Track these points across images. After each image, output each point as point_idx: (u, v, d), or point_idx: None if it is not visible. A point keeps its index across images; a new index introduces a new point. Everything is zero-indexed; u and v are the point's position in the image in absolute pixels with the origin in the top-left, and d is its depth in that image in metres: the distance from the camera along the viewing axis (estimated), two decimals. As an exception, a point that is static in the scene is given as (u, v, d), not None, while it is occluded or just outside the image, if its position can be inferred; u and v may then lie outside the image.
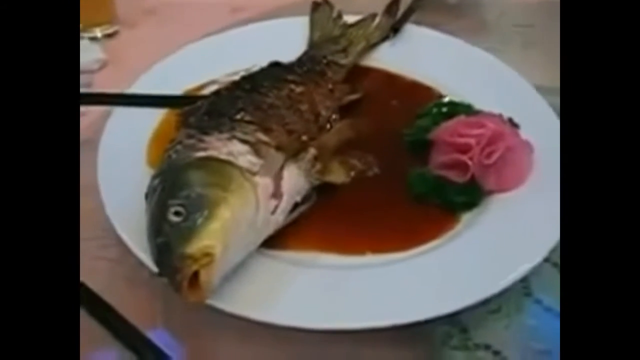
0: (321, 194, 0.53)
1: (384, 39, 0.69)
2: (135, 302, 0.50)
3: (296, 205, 0.51)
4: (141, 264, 0.47)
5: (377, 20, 0.70)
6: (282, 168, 0.49)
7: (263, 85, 0.56)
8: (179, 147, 0.49)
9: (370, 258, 0.50)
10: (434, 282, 0.47)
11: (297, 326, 0.44)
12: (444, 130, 0.56)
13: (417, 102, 0.63)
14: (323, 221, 0.52)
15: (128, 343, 0.47)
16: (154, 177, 0.47)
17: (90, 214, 0.55)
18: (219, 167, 0.46)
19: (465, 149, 0.53)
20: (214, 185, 0.44)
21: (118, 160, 0.55)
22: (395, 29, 0.69)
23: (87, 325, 0.48)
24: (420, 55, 0.68)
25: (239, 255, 0.45)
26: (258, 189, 0.46)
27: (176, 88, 0.62)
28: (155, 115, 0.60)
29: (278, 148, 0.50)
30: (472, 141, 0.53)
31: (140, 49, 0.73)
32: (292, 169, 0.50)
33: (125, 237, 0.48)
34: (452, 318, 0.47)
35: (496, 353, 0.47)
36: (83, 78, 0.71)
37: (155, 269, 0.44)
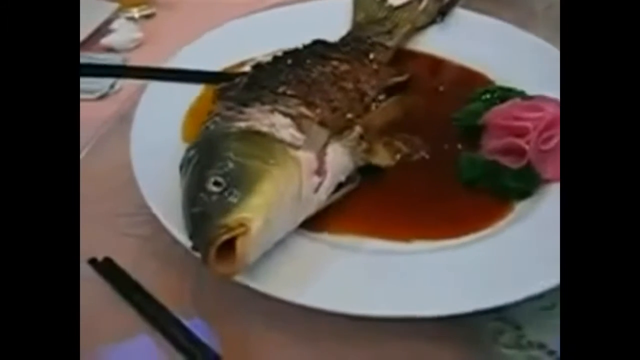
0: (365, 177, 0.49)
1: (431, 23, 0.65)
2: (165, 282, 0.47)
3: (340, 186, 0.47)
4: (174, 241, 0.44)
5: (423, 3, 0.66)
6: (326, 145, 0.45)
7: (306, 61, 0.52)
8: (217, 119, 0.45)
9: (416, 245, 0.46)
10: (483, 273, 0.43)
11: (333, 310, 0.40)
12: (498, 114, 0.51)
13: (465, 87, 0.59)
14: (367, 205, 0.48)
15: (162, 329, 0.43)
16: (189, 149, 0.44)
17: (123, 189, 0.52)
18: (260, 140, 0.42)
19: (521, 133, 0.49)
20: (255, 157, 0.41)
21: (152, 136, 0.52)
22: (443, 13, 0.65)
23: (115, 307, 0.44)
24: (469, 40, 0.63)
25: (278, 233, 0.41)
26: (301, 164, 0.42)
27: (215, 65, 0.59)
28: (192, 91, 0.56)
29: (322, 124, 0.46)
30: (529, 125, 0.48)
31: (177, 30, 0.71)
32: (336, 147, 0.46)
33: (157, 212, 0.45)
34: (503, 314, 0.42)
35: (551, 353, 0.42)
36: (119, 57, 0.69)
37: (188, 244, 0.40)
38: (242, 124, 0.43)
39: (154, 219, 0.49)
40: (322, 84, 0.50)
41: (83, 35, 0.68)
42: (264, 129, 0.43)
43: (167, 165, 0.46)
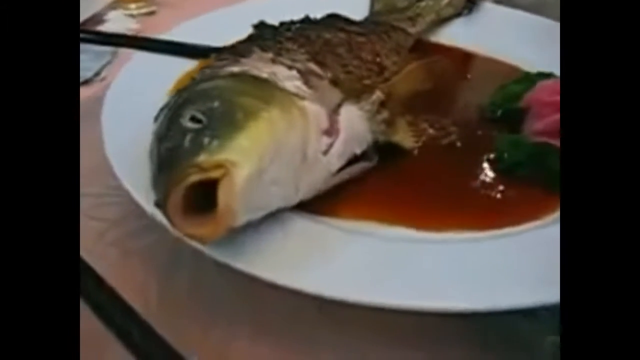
0: (385, 159, 0.39)
1: (457, 15, 0.57)
2: (128, 274, 0.36)
3: (354, 161, 0.37)
4: (143, 227, 0.34)
5: (448, -5, 0.58)
6: (339, 106, 0.35)
7: (320, 25, 0.43)
8: (206, 70, 0.36)
9: (449, 234, 0.35)
10: (529, 269, 0.32)
11: (347, 299, 0.30)
12: (542, 91, 0.42)
13: (496, 77, 0.50)
14: (387, 189, 0.38)
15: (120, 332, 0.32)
16: (170, 98, 0.34)
17: (92, 171, 0.43)
18: (257, 83, 0.33)
19: (574, 109, 0.39)
20: (251, 95, 0.31)
21: (127, 115, 0.42)
22: (470, 6, 0.57)
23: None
24: (498, 32, 0.55)
25: (274, 197, 0.31)
26: (308, 115, 0.32)
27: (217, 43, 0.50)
28: (174, 70, 0.47)
29: (334, 83, 0.37)
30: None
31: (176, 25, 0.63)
32: (351, 109, 0.36)
33: (126, 183, 0.35)
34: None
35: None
36: (109, 48, 0.60)
37: (153, 210, 0.30)
38: (235, 68, 0.34)
39: (122, 201, 0.39)
40: (336, 47, 0.41)
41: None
42: (263, 75, 0.34)
43: (142, 144, 0.37)
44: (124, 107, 0.43)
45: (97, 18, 0.63)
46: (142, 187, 0.33)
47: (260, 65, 0.35)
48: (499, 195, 0.39)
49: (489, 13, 0.58)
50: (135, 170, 0.36)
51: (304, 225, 0.34)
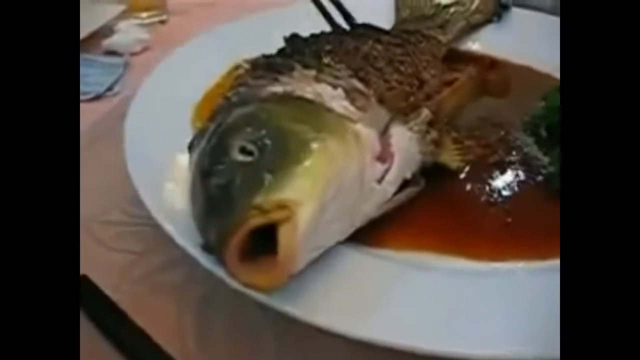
0: (431, 182, 0.36)
1: (487, 22, 0.54)
2: (158, 314, 0.32)
3: (403, 186, 0.33)
4: (172, 260, 0.31)
5: (476, 1, 0.54)
6: (388, 127, 0.32)
7: (354, 37, 0.40)
8: (241, 89, 0.32)
9: (510, 265, 0.32)
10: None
11: (404, 346, 0.26)
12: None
13: (532, 88, 0.46)
14: (437, 215, 0.35)
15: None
16: (204, 124, 0.30)
17: (113, 195, 0.39)
18: (306, 105, 0.29)
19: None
20: (302, 122, 0.27)
21: (149, 133, 0.38)
22: (500, 12, 0.54)
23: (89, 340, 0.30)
24: (530, 38, 0.52)
25: (332, 234, 0.27)
26: (362, 140, 0.29)
27: (239, 54, 0.46)
28: (199, 85, 0.44)
29: (380, 102, 0.33)
30: None
31: (188, 36, 0.59)
32: (401, 130, 0.33)
33: (154, 211, 0.31)
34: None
35: None
36: (121, 59, 0.56)
37: (194, 250, 0.26)
38: (278, 89, 0.30)
39: (148, 231, 0.35)
40: (376, 60, 0.37)
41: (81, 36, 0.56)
42: (308, 95, 0.30)
43: (170, 164, 0.33)
44: (147, 127, 0.39)
45: (107, 29, 0.59)
46: (179, 222, 0.30)
47: (303, 85, 0.31)
48: (554, 220, 0.35)
49: (519, 19, 0.54)
50: (165, 200, 0.33)
51: (354, 260, 0.30)
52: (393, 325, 0.27)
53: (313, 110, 0.29)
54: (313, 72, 0.32)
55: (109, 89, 0.53)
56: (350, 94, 0.32)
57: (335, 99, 0.31)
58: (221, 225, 0.23)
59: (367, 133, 0.30)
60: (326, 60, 0.34)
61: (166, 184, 0.34)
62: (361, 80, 0.34)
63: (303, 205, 0.24)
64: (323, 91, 0.31)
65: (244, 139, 0.25)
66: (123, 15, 0.61)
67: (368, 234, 0.32)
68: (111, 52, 0.58)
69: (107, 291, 0.33)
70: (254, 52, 0.43)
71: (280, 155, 0.25)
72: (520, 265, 0.32)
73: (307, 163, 0.25)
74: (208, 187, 0.25)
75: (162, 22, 0.64)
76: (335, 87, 0.32)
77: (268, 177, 0.24)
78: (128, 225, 0.38)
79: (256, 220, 0.23)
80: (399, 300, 0.28)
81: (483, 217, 0.35)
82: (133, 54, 0.58)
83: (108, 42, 0.58)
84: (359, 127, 0.29)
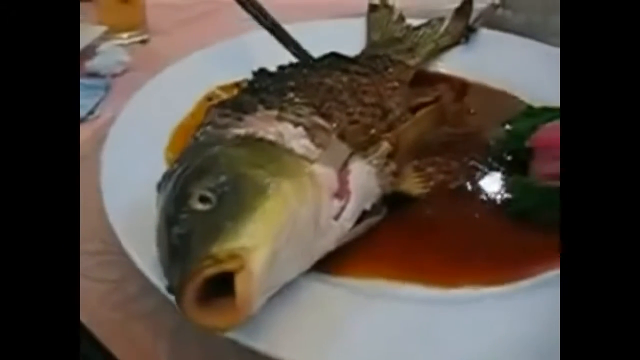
0: (393, 210, 0.37)
1: (455, 44, 0.55)
2: (134, 341, 0.34)
3: (362, 218, 0.35)
4: (148, 287, 0.32)
5: (445, 24, 0.56)
6: (347, 162, 0.33)
7: (319, 70, 0.41)
8: (208, 128, 0.34)
9: (465, 291, 0.34)
10: (551, 328, 0.31)
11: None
12: (550, 132, 0.40)
13: (498, 110, 0.48)
14: (398, 243, 0.36)
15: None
16: (172, 164, 0.32)
17: (90, 223, 0.40)
18: (265, 147, 0.31)
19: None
20: (259, 166, 0.29)
21: (128, 161, 0.40)
22: (467, 34, 0.55)
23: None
24: (497, 61, 0.53)
25: (289, 272, 0.29)
26: (319, 181, 0.30)
27: (210, 82, 0.48)
28: (178, 111, 0.45)
29: (341, 137, 0.35)
30: (594, 142, 0.37)
31: (169, 57, 0.60)
32: (360, 165, 0.34)
33: (127, 246, 0.33)
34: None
35: None
36: (102, 81, 0.58)
37: (163, 286, 0.28)
38: (241, 131, 0.32)
39: (123, 260, 0.37)
40: (339, 93, 0.38)
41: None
42: (270, 137, 0.32)
43: (145, 195, 0.35)
44: (123, 157, 0.40)
45: (90, 51, 0.60)
46: (150, 254, 0.31)
47: (265, 125, 0.33)
48: (511, 244, 0.37)
49: (487, 40, 0.56)
50: (139, 235, 0.34)
51: (315, 290, 0.32)
52: (352, 355, 0.28)
53: (272, 153, 0.30)
54: (275, 112, 0.33)
55: (91, 112, 0.54)
56: (311, 131, 0.33)
57: (295, 137, 0.32)
58: (180, 272, 0.25)
59: (325, 172, 0.31)
60: (290, 96, 0.36)
61: (140, 216, 0.35)
62: (323, 115, 0.36)
63: (256, 251, 0.25)
64: (284, 130, 0.33)
65: (204, 187, 0.27)
66: (104, 36, 0.62)
67: (328, 262, 0.33)
68: (92, 74, 0.59)
69: (83, 319, 0.35)
70: (235, 77, 0.46)
71: (236, 203, 0.26)
72: (477, 290, 0.34)
73: (260, 209, 0.26)
74: (170, 236, 0.27)
75: (143, 41, 0.66)
76: (296, 125, 0.33)
77: (223, 226, 0.26)
78: (107, 254, 0.39)
79: (210, 271, 0.24)
80: (357, 330, 0.30)
81: (442, 243, 0.37)
82: (114, 75, 0.59)
83: (90, 65, 0.59)
84: (317, 166, 0.31)
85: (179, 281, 0.25)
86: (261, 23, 0.50)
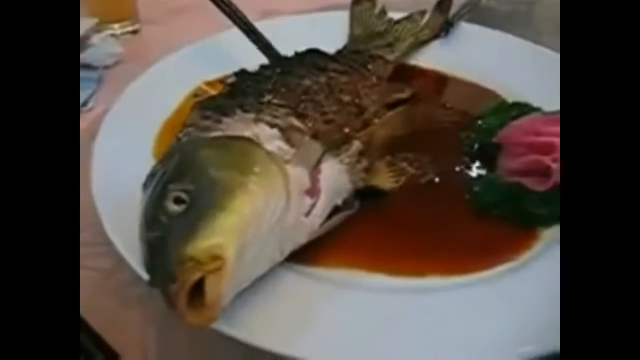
0: (366, 203, 0.40)
1: (435, 37, 0.57)
2: (124, 326, 0.37)
3: (335, 211, 0.37)
4: (137, 277, 0.34)
5: (426, 17, 0.58)
6: (319, 161, 0.36)
7: (297, 69, 0.43)
8: (190, 129, 0.36)
9: (430, 280, 0.36)
10: (509, 316, 0.34)
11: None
12: (516, 130, 0.43)
13: (474, 104, 0.50)
14: (369, 234, 0.39)
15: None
16: (156, 164, 0.34)
17: (84, 215, 0.43)
18: (239, 146, 0.33)
19: (546, 150, 0.40)
20: (230, 166, 0.31)
21: (118, 156, 0.42)
22: (447, 28, 0.57)
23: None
24: (475, 54, 0.55)
25: (260, 266, 0.31)
26: (290, 179, 0.33)
27: (198, 77, 0.50)
28: (166, 107, 0.47)
29: (315, 137, 0.37)
30: (555, 140, 0.40)
31: (160, 48, 0.62)
32: (332, 164, 0.37)
33: (115, 239, 0.35)
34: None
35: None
36: (95, 73, 0.60)
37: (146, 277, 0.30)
38: (219, 133, 0.34)
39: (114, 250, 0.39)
40: (316, 93, 0.41)
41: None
42: (246, 134, 0.34)
43: (133, 189, 0.37)
44: (115, 150, 0.43)
45: (82, 43, 0.62)
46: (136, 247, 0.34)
47: (242, 127, 0.35)
48: (475, 236, 0.40)
49: (466, 34, 0.58)
50: (127, 227, 0.36)
51: (289, 281, 0.34)
52: (322, 344, 0.31)
53: (246, 151, 0.32)
54: (252, 115, 0.36)
55: (84, 104, 0.56)
56: (286, 132, 0.36)
57: (271, 138, 0.35)
58: (162, 274, 0.28)
59: (297, 171, 0.34)
60: (267, 98, 0.38)
61: (129, 209, 0.38)
62: (299, 116, 0.38)
63: (228, 248, 0.28)
64: (260, 132, 0.35)
65: (178, 189, 0.30)
66: (96, 28, 0.64)
67: (302, 254, 0.35)
68: (85, 66, 0.61)
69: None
70: (226, 71, 0.47)
71: (206, 203, 0.29)
72: (442, 280, 0.37)
73: (228, 208, 0.29)
74: (149, 238, 0.29)
75: (134, 32, 0.67)
76: (272, 126, 0.36)
77: (197, 226, 0.28)
78: (102, 245, 0.41)
79: (191, 277, 0.27)
80: (330, 318, 0.33)
81: (410, 235, 0.39)
82: (106, 67, 0.61)
83: (82, 57, 0.61)
84: (290, 166, 0.33)
85: (166, 283, 0.27)
86: (234, 22, 0.51)
